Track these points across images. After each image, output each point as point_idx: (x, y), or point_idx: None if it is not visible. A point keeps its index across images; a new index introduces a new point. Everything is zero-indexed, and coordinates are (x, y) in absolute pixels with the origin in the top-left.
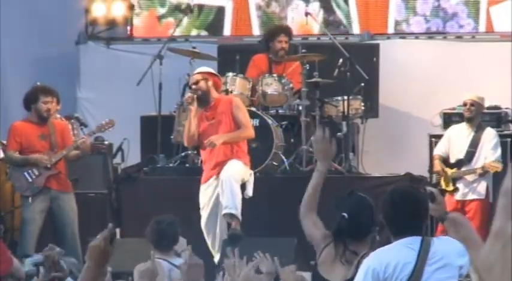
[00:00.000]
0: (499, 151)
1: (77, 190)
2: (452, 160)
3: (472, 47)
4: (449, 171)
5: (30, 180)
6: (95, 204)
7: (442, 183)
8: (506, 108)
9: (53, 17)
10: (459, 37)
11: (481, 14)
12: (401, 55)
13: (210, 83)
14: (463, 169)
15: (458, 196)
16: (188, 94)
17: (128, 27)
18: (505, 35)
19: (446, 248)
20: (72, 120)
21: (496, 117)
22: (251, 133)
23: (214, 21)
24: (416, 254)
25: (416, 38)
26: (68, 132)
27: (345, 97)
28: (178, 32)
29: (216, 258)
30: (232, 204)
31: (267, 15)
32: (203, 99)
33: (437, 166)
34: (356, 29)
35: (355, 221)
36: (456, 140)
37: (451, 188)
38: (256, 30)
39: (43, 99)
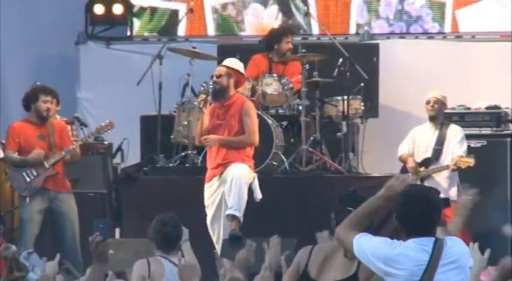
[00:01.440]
0: (465, 145)
1: (77, 190)
2: (418, 160)
3: (471, 47)
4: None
5: (28, 180)
6: (95, 204)
7: None
8: (506, 108)
9: (53, 17)
10: (459, 37)
11: (446, 17)
12: (401, 55)
13: (232, 80)
14: (432, 167)
15: None
16: (201, 96)
17: (128, 27)
18: (505, 35)
19: (458, 249)
20: (73, 125)
21: (496, 117)
22: (254, 141)
23: (167, 24)
24: (429, 256)
25: (416, 38)
26: (67, 133)
27: (345, 97)
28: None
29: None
30: (237, 206)
31: (222, 18)
32: (219, 94)
33: (412, 162)
34: (316, 32)
35: None
36: (421, 140)
37: None
38: (212, 34)
39: (43, 98)
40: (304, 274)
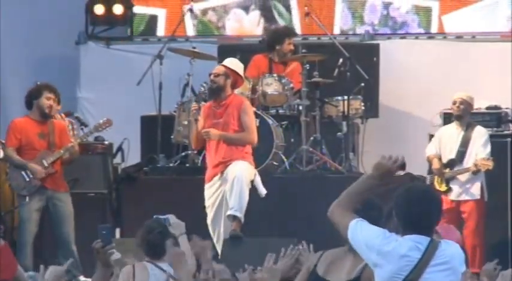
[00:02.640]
0: (488, 148)
1: (77, 190)
2: (444, 160)
3: (472, 47)
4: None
5: (27, 179)
6: (95, 204)
7: (436, 183)
8: (506, 108)
9: (53, 17)
10: (459, 37)
11: (432, 23)
12: (401, 55)
13: (229, 81)
14: (456, 168)
15: (453, 196)
16: (194, 107)
17: (128, 28)
18: (505, 35)
19: (451, 252)
20: (72, 120)
21: (496, 117)
22: (253, 139)
23: (146, 29)
24: (421, 255)
25: (416, 38)
26: (66, 133)
27: (345, 97)
28: None
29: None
30: (238, 206)
31: (203, 24)
32: (216, 93)
33: (437, 163)
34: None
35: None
36: (446, 141)
37: (444, 188)
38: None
39: (46, 95)
40: (313, 273)
